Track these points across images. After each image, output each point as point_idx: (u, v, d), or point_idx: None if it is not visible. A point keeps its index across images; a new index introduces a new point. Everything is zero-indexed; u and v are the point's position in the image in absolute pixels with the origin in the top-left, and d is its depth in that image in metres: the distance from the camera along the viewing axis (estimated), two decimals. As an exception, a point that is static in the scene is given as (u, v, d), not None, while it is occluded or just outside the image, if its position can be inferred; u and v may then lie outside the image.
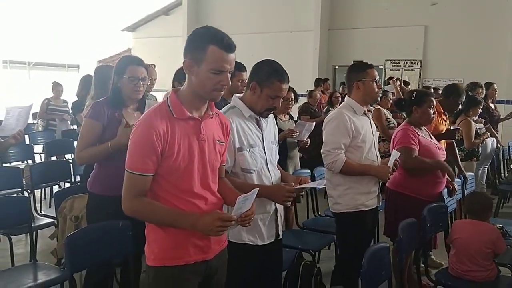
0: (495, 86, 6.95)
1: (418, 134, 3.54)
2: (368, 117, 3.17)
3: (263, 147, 2.46)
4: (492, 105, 6.91)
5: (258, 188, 1.93)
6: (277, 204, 2.48)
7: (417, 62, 11.93)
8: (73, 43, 24.95)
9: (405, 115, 3.95)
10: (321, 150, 3.04)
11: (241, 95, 2.55)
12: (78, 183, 4.73)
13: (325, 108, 7.79)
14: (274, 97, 2.39)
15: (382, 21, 12.19)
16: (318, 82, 9.88)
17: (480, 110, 5.66)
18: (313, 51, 12.98)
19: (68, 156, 6.57)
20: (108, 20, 29.32)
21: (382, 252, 2.46)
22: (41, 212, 4.22)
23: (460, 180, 4.24)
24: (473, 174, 4.99)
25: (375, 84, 3.06)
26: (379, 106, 6.49)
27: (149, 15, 16.53)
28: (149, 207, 1.86)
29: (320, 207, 4.44)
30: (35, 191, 4.52)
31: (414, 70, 12.01)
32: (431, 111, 3.59)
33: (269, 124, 2.56)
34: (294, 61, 11.36)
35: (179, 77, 3.43)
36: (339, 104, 8.08)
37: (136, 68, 2.80)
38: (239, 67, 3.66)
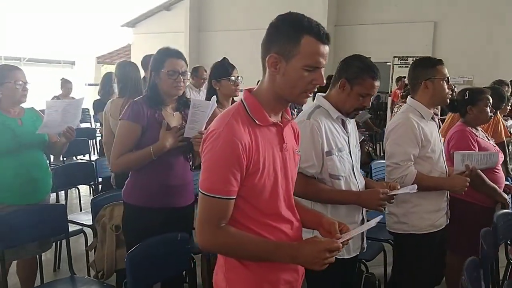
0: (521, 83, 6.77)
1: (476, 136, 3.33)
2: (435, 121, 2.82)
3: (349, 151, 2.24)
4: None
5: (380, 217, 1.66)
6: (364, 214, 2.27)
7: (426, 59, 11.75)
8: (69, 39, 24.54)
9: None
10: (387, 163, 2.67)
11: (325, 93, 2.31)
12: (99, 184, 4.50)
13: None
14: (365, 95, 2.19)
15: (390, 17, 12.03)
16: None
17: (509, 108, 5.50)
18: (319, 47, 12.72)
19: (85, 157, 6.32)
20: (106, 15, 28.89)
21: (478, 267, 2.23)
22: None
23: (508, 183, 4.03)
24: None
25: (445, 83, 2.71)
26: (405, 104, 6.30)
27: (150, 10, 16.23)
28: (237, 239, 1.50)
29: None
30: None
31: (423, 67, 11.83)
32: (488, 109, 3.38)
33: (352, 126, 2.34)
34: (299, 57, 11.14)
35: (216, 74, 3.15)
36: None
37: (175, 61, 2.50)
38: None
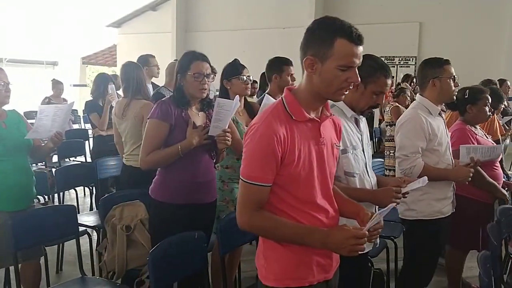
0: (508, 83, 6.94)
1: (476, 134, 3.42)
2: (442, 117, 2.99)
3: (363, 149, 2.31)
4: (505, 102, 6.86)
5: (394, 204, 1.75)
6: (376, 210, 2.32)
7: (412, 59, 11.96)
8: (52, 39, 24.12)
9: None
10: (397, 155, 2.86)
11: None
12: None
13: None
14: (378, 94, 2.25)
15: (376, 18, 12.15)
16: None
17: (503, 107, 5.62)
18: (307, 47, 12.82)
19: (81, 158, 6.27)
20: (91, 15, 28.39)
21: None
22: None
23: (505, 180, 4.14)
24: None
25: (452, 81, 2.87)
26: (397, 104, 6.40)
27: (136, 11, 16.10)
28: (271, 222, 1.65)
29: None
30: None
31: (409, 66, 12.02)
32: (487, 109, 3.47)
33: (364, 125, 2.41)
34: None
35: (227, 74, 3.20)
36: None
37: (201, 64, 2.61)
38: (288, 62, 3.59)
